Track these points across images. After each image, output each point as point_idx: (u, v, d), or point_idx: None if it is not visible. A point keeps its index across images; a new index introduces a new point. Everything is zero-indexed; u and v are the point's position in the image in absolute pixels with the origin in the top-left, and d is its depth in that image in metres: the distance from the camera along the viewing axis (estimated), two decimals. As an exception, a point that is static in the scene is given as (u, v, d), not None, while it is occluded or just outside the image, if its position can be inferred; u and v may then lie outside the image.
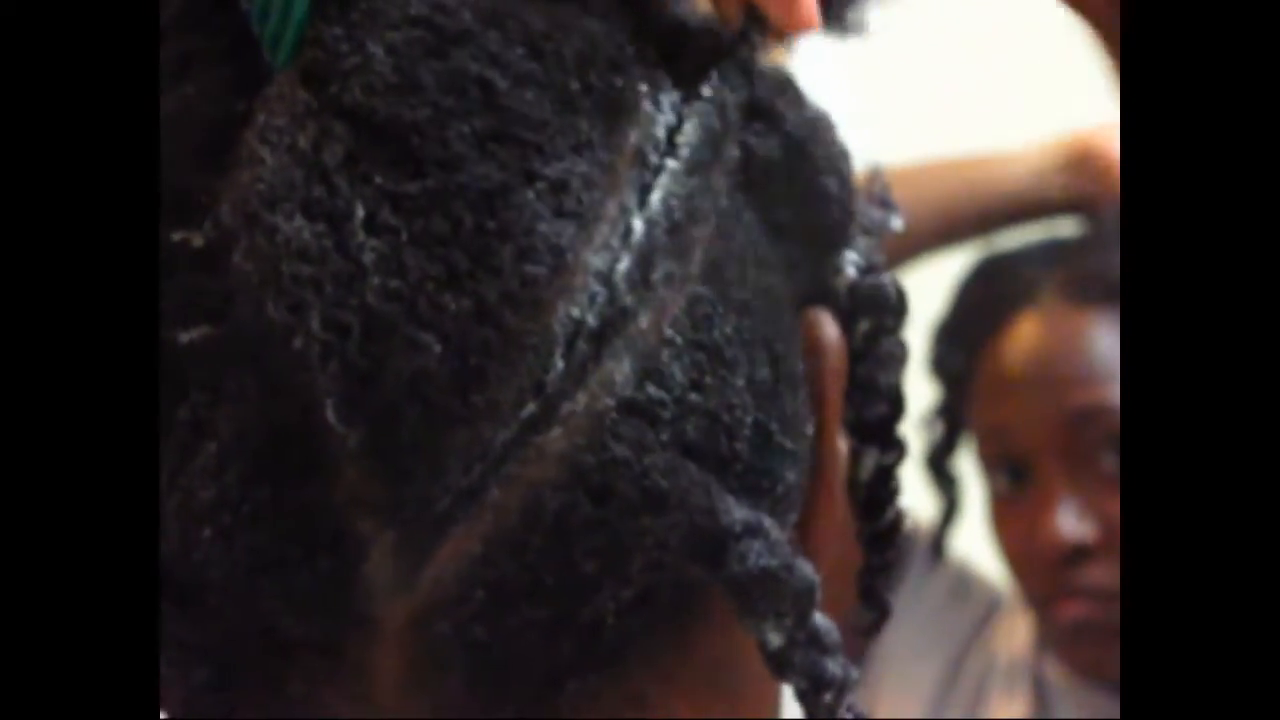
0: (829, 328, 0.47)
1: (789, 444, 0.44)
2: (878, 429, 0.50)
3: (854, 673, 0.43)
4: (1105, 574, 1.19)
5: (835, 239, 0.47)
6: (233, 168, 0.41)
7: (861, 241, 0.48)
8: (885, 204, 0.51)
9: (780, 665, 0.43)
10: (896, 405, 0.50)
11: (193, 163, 0.41)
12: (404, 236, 0.40)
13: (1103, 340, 1.21)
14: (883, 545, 0.51)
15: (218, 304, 0.41)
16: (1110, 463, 1.19)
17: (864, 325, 0.48)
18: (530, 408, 0.40)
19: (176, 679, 0.44)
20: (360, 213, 0.40)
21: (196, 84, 0.42)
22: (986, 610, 1.35)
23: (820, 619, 0.43)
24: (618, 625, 0.41)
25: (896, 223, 0.51)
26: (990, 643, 1.33)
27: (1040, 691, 1.29)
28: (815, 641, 0.43)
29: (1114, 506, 1.19)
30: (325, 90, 0.40)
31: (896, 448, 0.50)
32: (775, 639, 0.42)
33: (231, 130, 0.41)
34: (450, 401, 0.39)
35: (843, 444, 0.48)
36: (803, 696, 0.43)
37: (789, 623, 0.42)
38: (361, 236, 0.39)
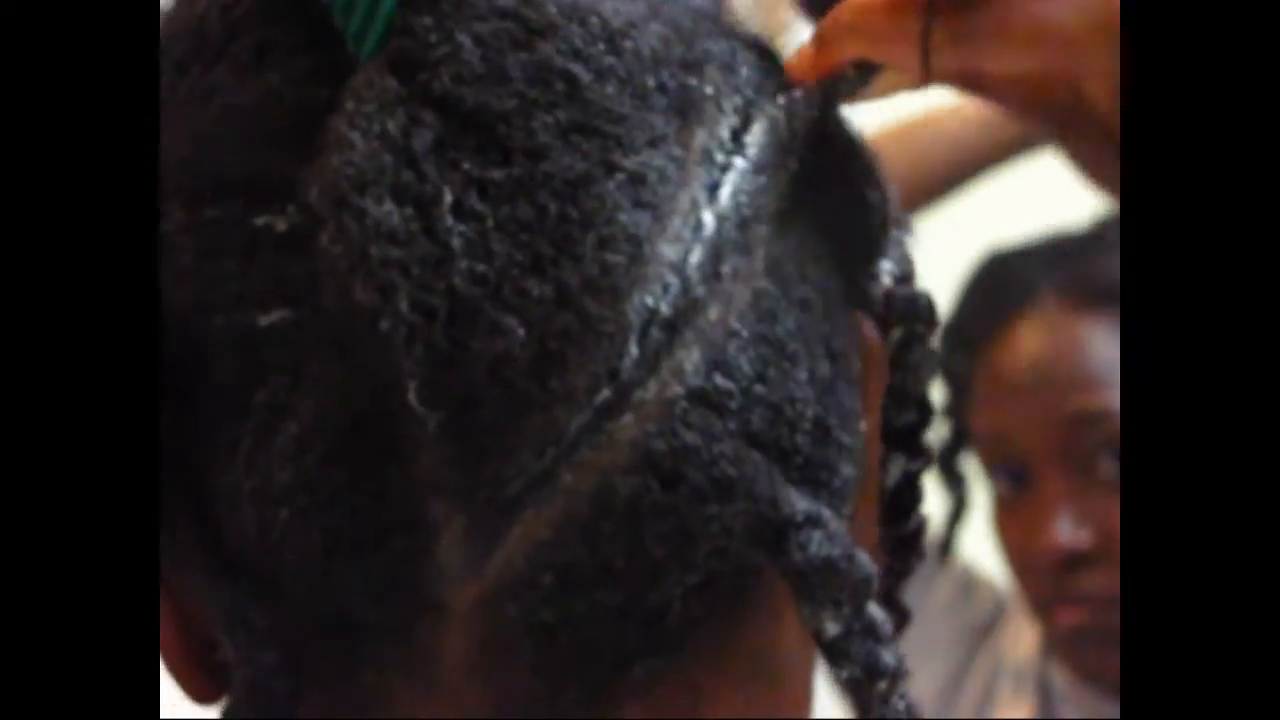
0: (871, 333, 0.48)
1: (846, 439, 0.45)
2: (906, 436, 0.51)
3: (906, 664, 0.44)
4: (1104, 580, 1.19)
5: (874, 248, 0.49)
6: (320, 153, 0.41)
7: (896, 251, 0.49)
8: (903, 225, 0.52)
9: (836, 654, 0.43)
10: (925, 413, 0.51)
11: (275, 148, 0.42)
12: (490, 222, 0.40)
13: (1102, 344, 1.21)
14: (906, 551, 0.52)
15: (299, 288, 0.41)
16: (1109, 468, 1.19)
17: (897, 333, 0.49)
18: (605, 394, 0.41)
19: (243, 662, 0.44)
20: (448, 198, 0.40)
21: (277, 72, 0.43)
22: (993, 612, 1.35)
23: (875, 610, 0.44)
24: (682, 612, 0.42)
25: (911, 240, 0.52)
26: (997, 645, 1.33)
27: (1046, 694, 1.29)
28: (871, 631, 0.43)
29: (1113, 512, 1.19)
30: (414, 78, 0.41)
31: (923, 455, 0.51)
32: (833, 628, 0.43)
33: (314, 117, 0.42)
34: (529, 385, 0.40)
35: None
36: (856, 686, 0.43)
37: (846, 612, 0.43)
38: (449, 221, 0.40)
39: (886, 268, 0.49)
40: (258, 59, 0.43)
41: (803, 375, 0.43)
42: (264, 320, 0.42)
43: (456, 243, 0.40)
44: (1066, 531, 1.19)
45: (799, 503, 0.43)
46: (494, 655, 0.42)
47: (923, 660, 1.30)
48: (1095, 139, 0.48)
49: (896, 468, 0.51)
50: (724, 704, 0.45)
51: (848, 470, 0.45)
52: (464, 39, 0.41)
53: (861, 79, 0.47)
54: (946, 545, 1.33)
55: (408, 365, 0.40)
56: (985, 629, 1.34)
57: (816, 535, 0.43)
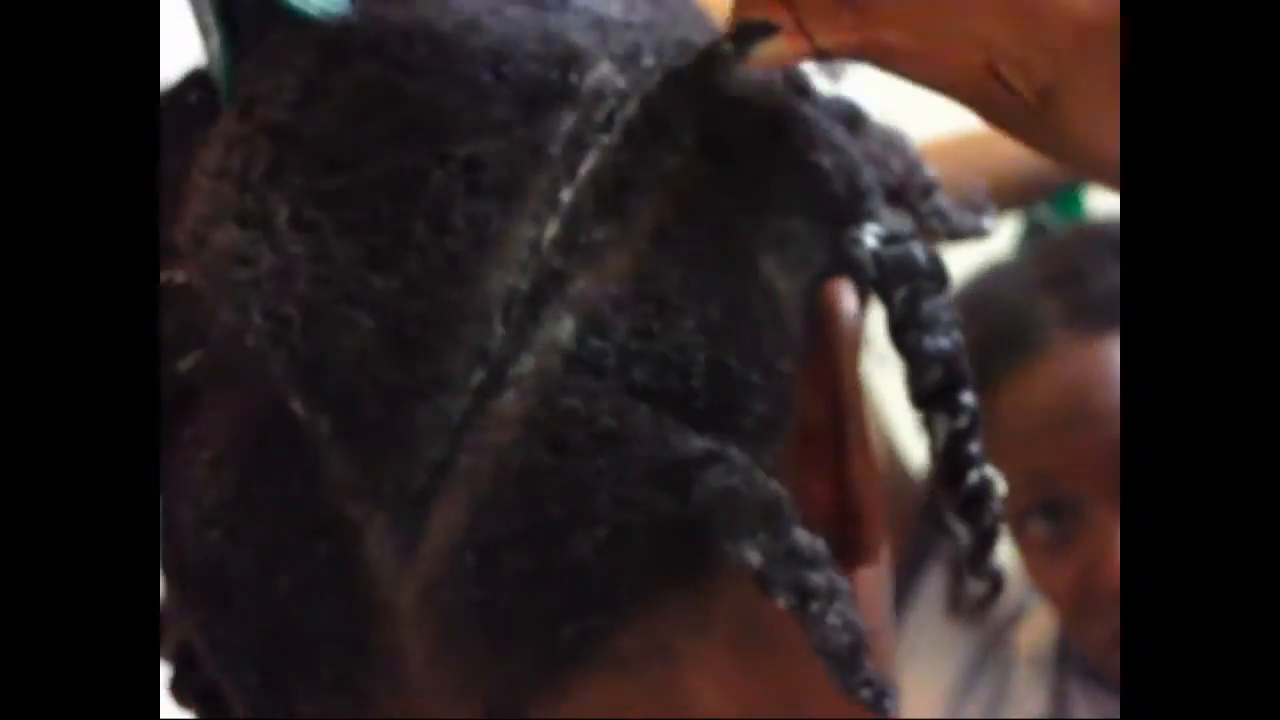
0: (845, 298, 0.48)
1: (755, 378, 0.45)
2: (938, 395, 0.51)
3: (843, 584, 0.44)
4: None
5: (846, 212, 0.49)
6: (184, 203, 0.45)
7: (887, 214, 0.50)
8: (978, 207, 0.53)
9: (764, 583, 0.44)
10: (951, 368, 0.50)
11: (167, 212, 0.45)
12: (328, 228, 0.43)
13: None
14: (975, 513, 0.52)
15: (201, 328, 0.44)
16: None
17: (900, 293, 0.49)
18: (479, 375, 0.43)
19: (235, 686, 0.47)
20: (285, 213, 0.43)
21: (172, 150, 0.46)
22: (1014, 609, 1.33)
23: (802, 535, 0.44)
24: (599, 564, 0.43)
25: (990, 224, 0.52)
26: (1014, 642, 1.32)
27: (1061, 695, 1.27)
28: (794, 555, 0.44)
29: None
30: (251, 116, 0.45)
31: (963, 411, 0.51)
32: (755, 557, 0.44)
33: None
34: (398, 375, 0.42)
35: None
36: (793, 612, 0.44)
37: (763, 539, 0.44)
38: (287, 233, 0.43)
39: (871, 230, 0.49)
40: (166, 144, 0.46)
41: (690, 324, 0.44)
42: (182, 365, 0.45)
43: (297, 250, 0.43)
44: None
45: (697, 442, 0.44)
46: (447, 644, 0.44)
47: (940, 653, 1.28)
48: (1023, 126, 0.48)
49: (941, 428, 0.51)
50: (714, 671, 0.45)
51: (761, 407, 0.45)
52: (284, 71, 0.45)
53: (744, 44, 0.47)
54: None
55: (281, 375, 0.43)
56: (1005, 625, 1.32)
57: (716, 470, 0.43)
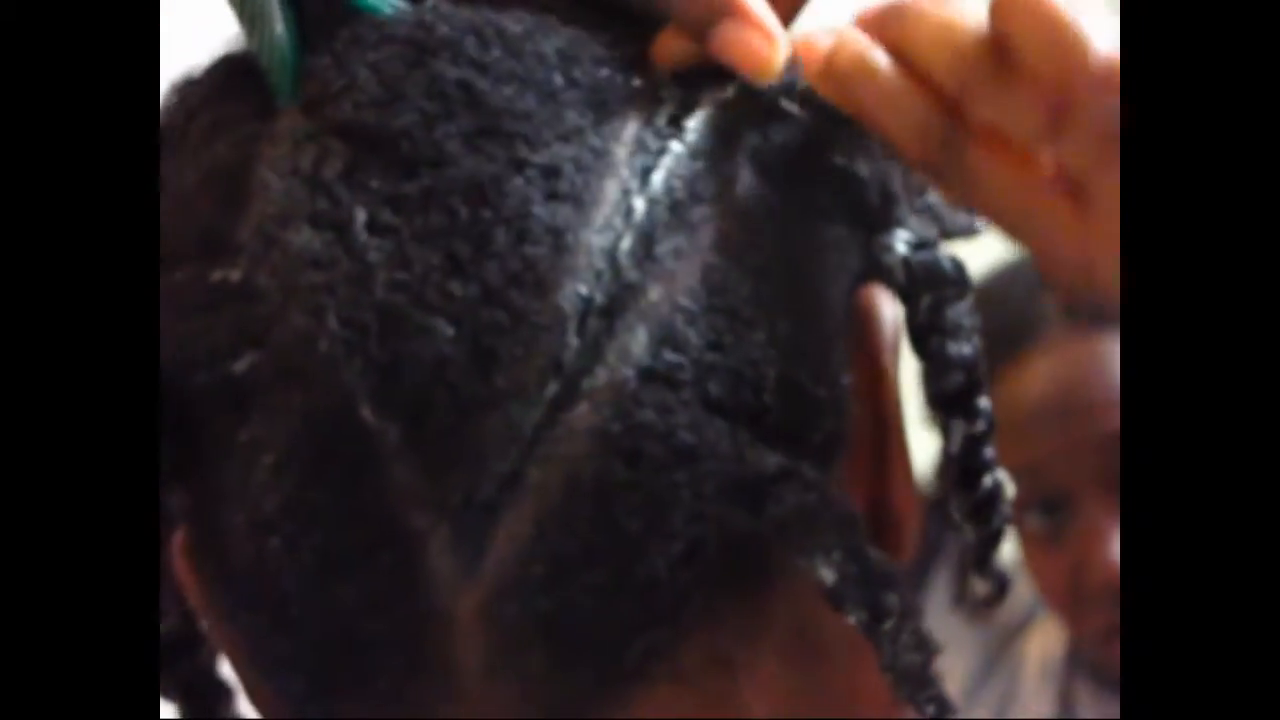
0: (883, 304, 0.49)
1: (822, 393, 0.45)
2: (957, 400, 0.51)
3: (915, 603, 0.44)
4: None
5: (880, 219, 0.49)
6: (249, 201, 0.43)
7: (915, 221, 0.50)
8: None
9: (838, 600, 0.44)
10: (971, 374, 0.51)
11: (222, 207, 0.44)
12: (405, 233, 0.42)
13: (1118, 358, 1.19)
14: (984, 516, 0.52)
15: (260, 329, 0.43)
16: None
17: (925, 300, 0.49)
18: (553, 387, 0.42)
19: (277, 694, 0.46)
20: (361, 217, 0.42)
21: (224, 142, 0.45)
22: (1024, 614, 1.33)
23: (875, 554, 0.44)
24: (672, 579, 0.43)
25: (981, 222, 0.52)
26: (1023, 647, 1.32)
27: (1068, 701, 1.27)
28: (868, 574, 0.44)
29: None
30: (320, 113, 0.43)
31: (980, 416, 0.51)
32: (829, 575, 0.44)
33: (249, 172, 0.44)
34: (474, 384, 0.42)
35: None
36: (865, 630, 0.44)
37: (838, 556, 0.44)
38: (365, 238, 0.42)
39: (903, 236, 0.49)
40: (210, 135, 0.45)
41: (761, 338, 0.44)
42: (237, 367, 0.43)
43: (374, 257, 0.42)
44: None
45: (769, 459, 0.43)
46: (507, 654, 0.43)
47: (951, 655, 1.28)
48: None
49: (957, 432, 0.51)
50: (767, 681, 0.45)
51: (829, 424, 0.45)
52: (359, 69, 0.44)
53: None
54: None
55: (353, 381, 0.42)
56: (1015, 630, 1.32)
57: (792, 486, 0.43)
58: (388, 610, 0.43)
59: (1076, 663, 1.27)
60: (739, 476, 0.43)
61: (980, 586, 0.52)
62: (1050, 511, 1.20)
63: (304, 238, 0.42)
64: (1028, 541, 1.23)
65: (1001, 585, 0.53)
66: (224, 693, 0.56)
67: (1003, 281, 1.27)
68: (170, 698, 0.55)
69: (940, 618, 1.27)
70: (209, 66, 0.48)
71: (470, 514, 0.42)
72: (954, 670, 1.29)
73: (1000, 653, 1.31)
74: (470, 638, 0.43)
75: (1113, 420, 1.16)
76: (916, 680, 0.44)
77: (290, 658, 0.45)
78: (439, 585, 0.43)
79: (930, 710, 0.44)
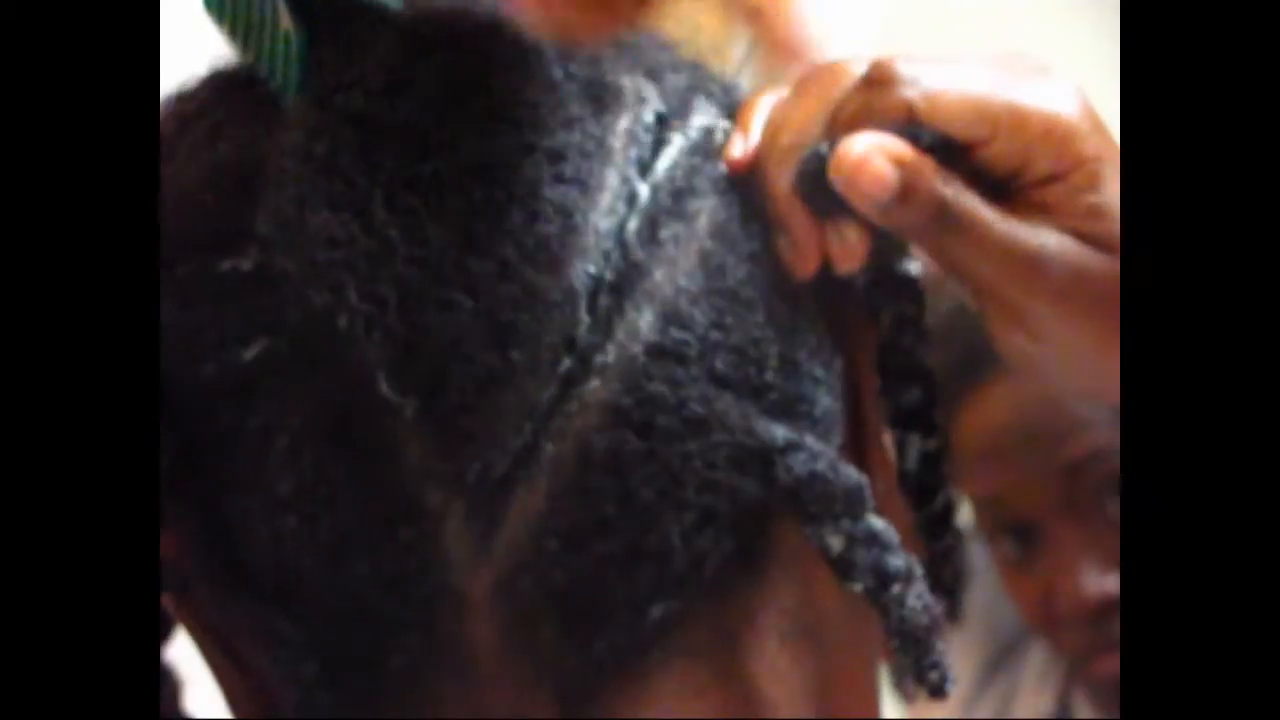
0: (854, 311, 0.50)
1: (819, 371, 0.47)
2: (915, 415, 0.52)
3: (918, 567, 0.45)
4: None
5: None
6: (264, 190, 0.44)
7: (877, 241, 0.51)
8: None
9: (845, 567, 0.45)
10: (928, 389, 0.52)
11: (230, 201, 0.45)
12: (423, 212, 0.43)
13: None
14: (938, 531, 0.53)
15: (272, 316, 0.44)
16: (1116, 508, 1.17)
17: (887, 315, 0.51)
18: (566, 362, 0.43)
19: (287, 679, 0.46)
20: (380, 196, 0.43)
21: (227, 143, 0.46)
22: (1025, 626, 1.32)
23: (877, 520, 0.45)
24: (685, 547, 0.44)
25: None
26: (1027, 652, 1.31)
27: (1064, 705, 1.27)
28: (874, 539, 0.45)
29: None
30: (332, 104, 0.45)
31: (936, 432, 0.52)
32: (836, 542, 0.45)
33: (259, 165, 0.45)
34: (491, 358, 0.43)
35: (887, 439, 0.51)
36: (871, 595, 0.45)
37: (845, 524, 0.45)
38: (385, 216, 0.43)
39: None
40: (210, 138, 0.47)
41: (760, 318, 0.45)
42: (248, 354, 0.44)
43: (394, 234, 0.43)
44: (1093, 582, 1.16)
45: (777, 430, 0.45)
46: (521, 631, 0.44)
47: (957, 656, 1.28)
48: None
49: (913, 448, 0.52)
50: (766, 659, 0.46)
51: (827, 400, 0.47)
52: (366, 61, 0.45)
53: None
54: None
55: (372, 355, 0.43)
56: (1020, 633, 1.32)
57: (800, 456, 0.45)
58: (403, 589, 0.44)
59: (1072, 671, 1.27)
60: (749, 447, 0.44)
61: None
62: (1020, 539, 1.20)
63: (322, 219, 0.43)
64: (1002, 567, 1.24)
65: (950, 603, 0.53)
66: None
67: (966, 310, 1.27)
68: None
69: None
70: (201, 79, 0.49)
71: (484, 490, 0.43)
72: (961, 670, 1.29)
73: (1006, 654, 1.31)
74: (483, 618, 0.44)
75: (1076, 449, 1.17)
76: (922, 645, 0.45)
77: (302, 642, 0.45)
78: (453, 564, 0.43)
79: (934, 676, 0.45)
